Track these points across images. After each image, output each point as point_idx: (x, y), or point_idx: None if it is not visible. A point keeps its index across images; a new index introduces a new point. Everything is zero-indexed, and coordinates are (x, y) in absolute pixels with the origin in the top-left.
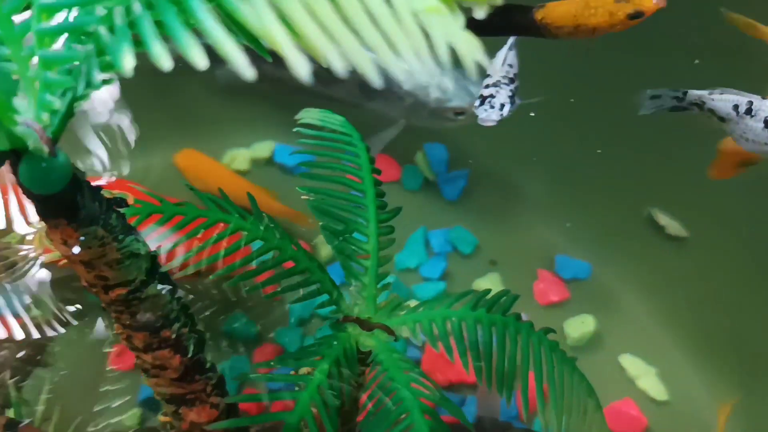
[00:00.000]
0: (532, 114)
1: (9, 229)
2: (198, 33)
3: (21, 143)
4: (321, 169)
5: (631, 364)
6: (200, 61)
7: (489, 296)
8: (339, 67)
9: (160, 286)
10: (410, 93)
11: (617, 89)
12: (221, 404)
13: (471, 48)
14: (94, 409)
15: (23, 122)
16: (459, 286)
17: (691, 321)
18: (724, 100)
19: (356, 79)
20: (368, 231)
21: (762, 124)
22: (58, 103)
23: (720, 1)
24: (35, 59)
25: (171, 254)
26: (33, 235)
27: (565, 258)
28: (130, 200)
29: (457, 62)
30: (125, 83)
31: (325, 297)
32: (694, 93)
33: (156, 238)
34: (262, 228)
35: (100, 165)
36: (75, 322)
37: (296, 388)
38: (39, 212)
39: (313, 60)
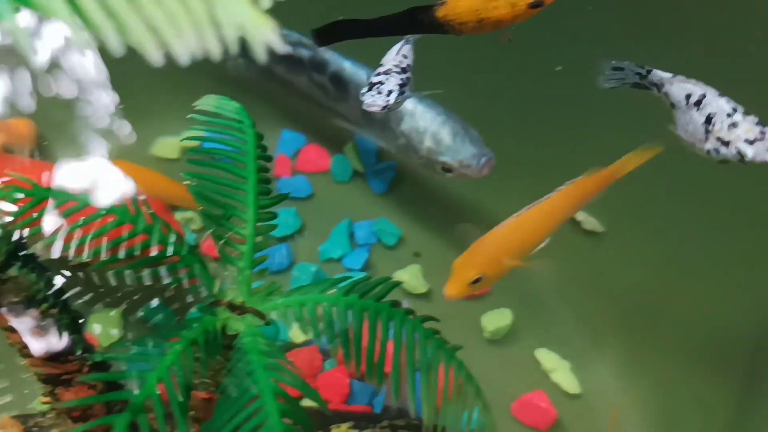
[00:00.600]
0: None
1: None
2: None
3: None
4: (206, 155)
5: (546, 357)
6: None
7: (367, 282)
8: (115, 44)
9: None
10: (404, 133)
11: (542, 85)
12: (99, 385)
13: (261, 29)
14: None
15: None
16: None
17: (607, 316)
18: (681, 86)
19: (359, 102)
20: (246, 216)
21: (703, 119)
22: None
23: None
24: None
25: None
26: None
27: None
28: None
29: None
30: None
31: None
32: (658, 73)
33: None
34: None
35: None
36: None
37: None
38: None
39: (324, 76)
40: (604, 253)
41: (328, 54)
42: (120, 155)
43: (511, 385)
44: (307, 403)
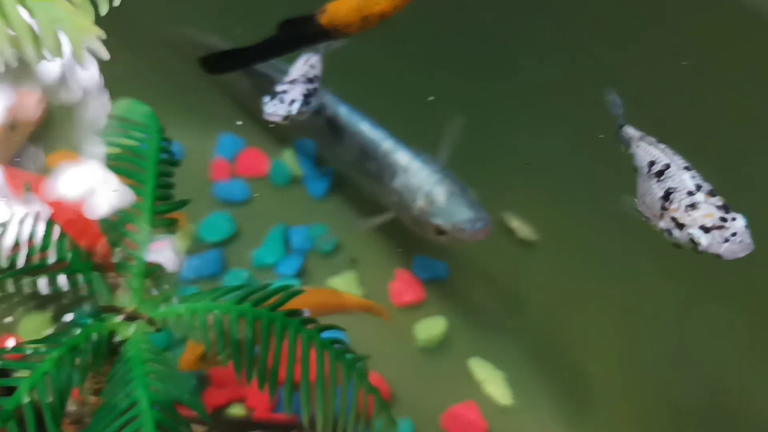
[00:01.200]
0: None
1: None
2: None
3: None
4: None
5: (479, 367)
6: None
7: (265, 290)
8: None
9: None
10: (396, 190)
11: (479, 91)
12: None
13: (82, 34)
14: None
15: None
16: (314, 284)
17: (540, 326)
18: (646, 150)
19: (356, 148)
20: (141, 222)
21: (662, 193)
22: None
23: None
24: None
25: None
26: None
27: (423, 258)
28: None
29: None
30: None
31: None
32: (629, 130)
33: None
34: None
35: None
36: None
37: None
38: None
39: (321, 119)
40: (539, 262)
41: (326, 97)
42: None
43: (442, 395)
44: (235, 410)
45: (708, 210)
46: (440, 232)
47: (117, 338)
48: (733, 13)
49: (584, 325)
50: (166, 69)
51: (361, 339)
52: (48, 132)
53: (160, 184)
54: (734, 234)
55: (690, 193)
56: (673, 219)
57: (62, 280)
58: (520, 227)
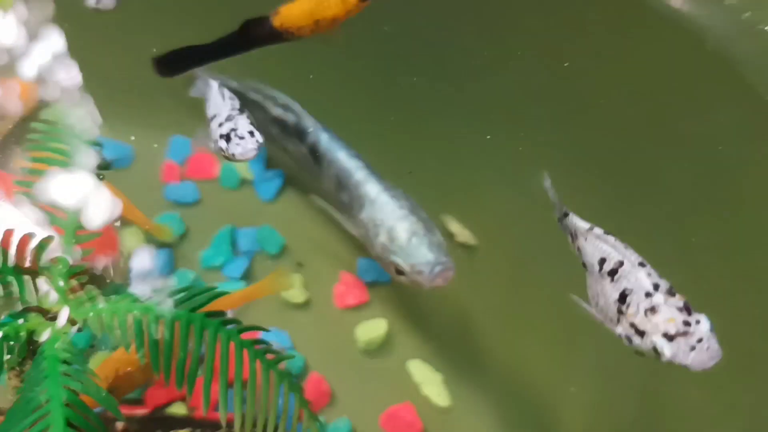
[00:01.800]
0: None
1: None
2: None
3: None
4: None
5: (418, 369)
6: None
7: (189, 291)
8: None
9: None
10: (363, 222)
11: (418, 98)
12: None
13: None
14: None
15: None
16: None
17: (480, 329)
18: (596, 246)
19: (333, 178)
20: (66, 223)
21: (617, 295)
22: None
23: None
24: None
25: None
26: None
27: (367, 261)
28: None
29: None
30: None
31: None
32: (574, 220)
33: None
34: None
35: None
36: None
37: None
38: None
39: (304, 145)
40: (479, 266)
41: (310, 122)
42: None
43: (381, 395)
44: (177, 410)
45: (669, 314)
46: (399, 271)
47: (40, 338)
48: None
49: (523, 329)
50: (118, 71)
51: (303, 341)
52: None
53: None
54: (700, 340)
55: (648, 294)
56: (632, 325)
57: None
58: (460, 231)
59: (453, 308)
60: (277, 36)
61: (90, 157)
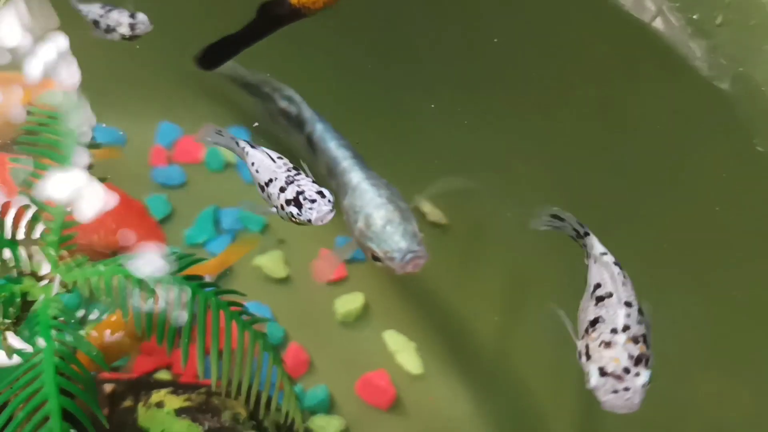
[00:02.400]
0: None
1: None
2: None
3: None
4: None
5: (393, 339)
6: None
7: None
8: None
9: None
10: (344, 209)
11: (385, 83)
12: None
13: None
14: None
15: None
16: (242, 263)
17: (450, 302)
18: (599, 271)
19: (324, 166)
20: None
21: (592, 317)
22: None
23: None
24: None
25: None
26: None
27: (344, 239)
28: None
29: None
30: None
31: None
32: (592, 242)
33: None
34: None
35: None
36: None
37: None
38: None
39: (303, 136)
40: (449, 244)
41: (308, 113)
42: None
43: (357, 364)
44: (161, 376)
45: (618, 354)
46: (374, 257)
47: (33, 299)
48: None
49: (489, 301)
50: (111, 60)
51: (284, 313)
52: None
53: None
54: (626, 389)
55: (614, 331)
56: (587, 347)
57: None
58: (432, 211)
59: (426, 282)
60: (295, 14)
61: (83, 156)
